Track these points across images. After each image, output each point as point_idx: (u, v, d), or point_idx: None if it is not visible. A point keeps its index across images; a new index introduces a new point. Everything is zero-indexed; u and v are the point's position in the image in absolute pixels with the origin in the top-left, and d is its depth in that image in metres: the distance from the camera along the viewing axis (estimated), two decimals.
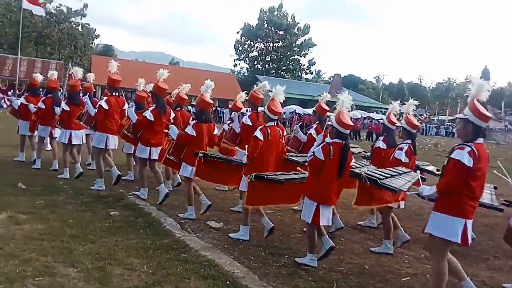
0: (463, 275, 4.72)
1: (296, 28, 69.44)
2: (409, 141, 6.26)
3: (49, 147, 10.55)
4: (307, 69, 72.87)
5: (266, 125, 6.16)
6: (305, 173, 5.82)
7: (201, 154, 6.42)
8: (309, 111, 41.91)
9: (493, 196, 5.80)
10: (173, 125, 7.14)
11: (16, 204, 6.49)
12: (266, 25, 68.15)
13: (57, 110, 9.18)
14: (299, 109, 40.68)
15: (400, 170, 5.74)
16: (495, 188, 6.63)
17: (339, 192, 5.42)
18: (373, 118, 41.22)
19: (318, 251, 5.37)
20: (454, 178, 4.12)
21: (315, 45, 70.87)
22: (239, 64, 71.03)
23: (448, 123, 60.34)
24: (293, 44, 69.38)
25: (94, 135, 8.34)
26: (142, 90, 9.03)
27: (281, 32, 68.57)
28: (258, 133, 6.01)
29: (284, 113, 40.46)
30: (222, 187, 8.87)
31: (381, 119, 38.66)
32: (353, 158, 5.65)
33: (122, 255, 4.87)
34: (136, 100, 9.15)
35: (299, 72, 71.55)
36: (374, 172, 5.30)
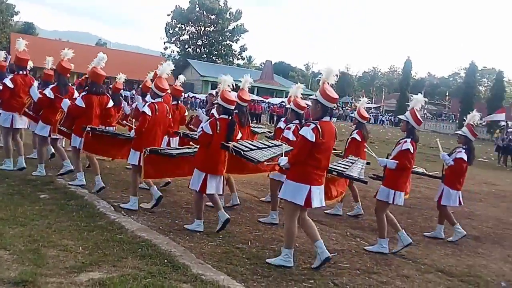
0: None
1: (228, 13, 69.18)
2: (297, 121, 6.60)
3: None
4: (238, 55, 73.03)
5: (154, 101, 6.50)
6: (196, 147, 6.22)
7: (89, 128, 6.70)
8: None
9: (362, 170, 6.30)
10: (66, 99, 7.21)
11: None
12: (197, 9, 67.31)
13: None
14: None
15: (272, 143, 6.35)
16: (367, 163, 7.05)
17: (225, 164, 5.87)
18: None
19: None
20: (299, 150, 4.76)
21: (247, 31, 71.11)
22: (169, 47, 69.85)
23: (373, 111, 62.95)
24: (225, 29, 69.15)
25: (0, 115, 8.10)
26: (50, 68, 8.88)
27: (213, 17, 68.06)
28: (146, 109, 6.39)
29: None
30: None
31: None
32: (239, 133, 6.08)
33: (56, 237, 4.81)
34: (43, 78, 9.16)
35: (231, 58, 71.54)
36: (241, 144, 5.74)
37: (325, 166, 4.95)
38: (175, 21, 68.22)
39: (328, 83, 4.83)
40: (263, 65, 68.23)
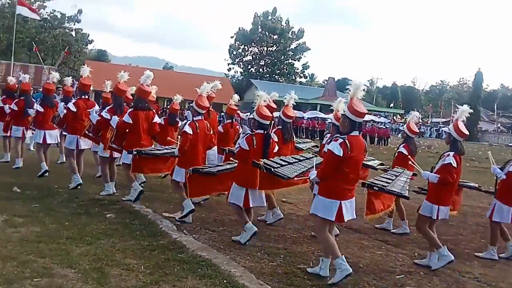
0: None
1: (290, 32, 69.60)
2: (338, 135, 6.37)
3: (31, 147, 10.94)
4: (301, 73, 73.02)
5: (195, 119, 6.74)
6: (235, 163, 6.32)
7: (135, 152, 6.92)
8: (305, 115, 42.06)
9: (406, 184, 6.01)
10: (114, 116, 7.47)
11: (12, 208, 6.51)
12: (260, 30, 68.26)
13: (31, 111, 9.70)
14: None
15: (304, 157, 6.52)
16: (414, 174, 6.74)
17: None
18: (372, 121, 40.72)
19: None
20: (327, 165, 4.84)
21: (309, 49, 71.05)
22: (233, 68, 71.14)
23: (442, 125, 60.65)
24: (287, 48, 69.52)
25: (66, 137, 8.65)
26: (109, 91, 9.19)
27: (275, 37, 68.68)
28: (187, 128, 6.60)
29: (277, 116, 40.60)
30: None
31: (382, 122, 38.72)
32: (276, 146, 6.21)
33: (119, 256, 4.91)
34: (102, 101, 9.66)
35: (293, 76, 71.65)
36: (272, 161, 5.81)
37: (355, 180, 4.98)
38: (238, 42, 69.50)
39: (356, 97, 4.89)
40: (325, 82, 67.83)
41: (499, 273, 5.75)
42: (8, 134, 10.48)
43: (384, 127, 37.30)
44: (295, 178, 5.71)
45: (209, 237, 6.07)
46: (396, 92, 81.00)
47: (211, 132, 7.24)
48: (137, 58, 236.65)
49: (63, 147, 9.90)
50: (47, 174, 9.23)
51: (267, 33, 68.25)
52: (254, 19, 69.09)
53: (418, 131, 7.43)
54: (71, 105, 8.30)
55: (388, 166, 7.71)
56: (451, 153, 5.63)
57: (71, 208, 6.88)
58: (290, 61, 70.96)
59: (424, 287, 4.98)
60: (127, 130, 7.40)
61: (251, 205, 5.91)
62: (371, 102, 66.99)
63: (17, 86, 10.84)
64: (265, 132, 5.94)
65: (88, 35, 62.72)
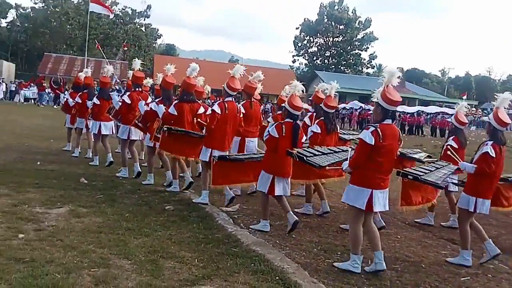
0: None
1: (357, 22, 68.12)
2: None
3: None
4: (368, 64, 71.36)
5: (225, 100, 6.90)
6: (262, 152, 6.37)
7: (165, 128, 7.22)
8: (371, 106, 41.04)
9: (446, 176, 5.73)
10: (161, 105, 7.69)
11: (78, 198, 6.77)
12: (326, 20, 67.34)
13: (89, 103, 10.17)
14: (356, 104, 39.64)
15: (340, 149, 6.43)
16: (458, 169, 6.12)
17: (291, 166, 6.02)
18: (443, 113, 39.10)
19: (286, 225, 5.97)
20: (359, 153, 4.76)
21: (377, 39, 69.31)
22: (298, 60, 70.72)
23: None
24: (354, 39, 68.12)
25: (120, 127, 9.06)
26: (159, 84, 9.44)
27: (341, 27, 67.50)
28: (215, 107, 6.81)
29: (344, 108, 39.94)
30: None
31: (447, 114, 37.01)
32: (304, 136, 6.35)
33: (175, 249, 4.95)
34: (155, 94, 9.97)
35: (359, 67, 70.17)
36: (305, 151, 5.92)
37: (388, 170, 4.87)
38: (304, 33, 68.96)
39: (390, 85, 4.78)
40: None
41: None
42: (75, 126, 11.27)
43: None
44: (327, 167, 5.82)
45: (264, 232, 6.00)
46: (470, 83, 77.28)
47: (241, 115, 7.35)
48: (204, 52, 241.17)
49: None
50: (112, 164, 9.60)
51: (333, 23, 67.23)
52: (320, 9, 68.24)
53: (467, 121, 7.11)
54: (126, 97, 8.73)
55: (436, 159, 7.28)
56: (490, 143, 5.33)
57: (132, 199, 7.05)
58: (356, 51, 69.56)
59: None
60: (172, 122, 7.52)
61: (276, 193, 5.91)
62: (442, 93, 64.34)
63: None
64: (294, 122, 5.94)
65: (157, 30, 64.76)
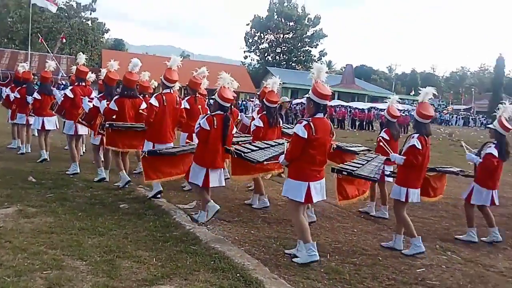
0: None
1: (306, 19, 68.88)
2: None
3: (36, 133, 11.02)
4: (318, 60, 72.31)
5: (162, 92, 6.92)
6: (194, 144, 6.43)
7: (107, 125, 7.20)
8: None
9: (377, 168, 6.11)
10: (103, 101, 7.61)
11: (26, 198, 6.47)
12: (276, 17, 67.65)
13: (29, 99, 9.91)
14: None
15: (276, 142, 6.67)
16: (387, 159, 6.47)
17: (224, 158, 6.21)
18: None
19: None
20: (293, 147, 4.89)
21: (326, 36, 70.34)
22: (249, 56, 70.76)
23: (463, 113, 59.64)
24: (304, 35, 68.87)
25: (65, 123, 8.79)
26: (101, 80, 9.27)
27: (291, 23, 68.05)
28: (153, 100, 6.83)
29: (298, 103, 40.25)
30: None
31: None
32: (234, 128, 6.48)
33: (131, 248, 4.80)
34: (99, 89, 9.77)
35: (310, 63, 71.01)
36: (243, 147, 6.20)
37: (322, 161, 5.02)
38: (254, 30, 69.04)
39: (319, 81, 4.94)
40: (343, 70, 67.15)
41: None
42: (16, 122, 10.86)
43: (404, 114, 36.73)
44: (265, 162, 5.97)
45: (223, 228, 5.94)
46: (416, 79, 79.79)
47: (182, 107, 7.37)
48: (154, 47, 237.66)
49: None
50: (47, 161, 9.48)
51: (283, 20, 67.68)
52: (270, 6, 68.50)
53: (399, 115, 7.46)
54: (68, 92, 8.60)
55: (373, 152, 7.51)
56: (416, 135, 5.59)
57: (85, 198, 6.81)
58: (307, 48, 70.39)
59: (446, 282, 4.77)
60: (113, 117, 7.45)
61: (210, 185, 6.02)
62: (390, 89, 66.18)
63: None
64: (225, 114, 6.03)
65: (104, 24, 62.91)
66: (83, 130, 8.70)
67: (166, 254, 4.68)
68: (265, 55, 70.14)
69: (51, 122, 9.66)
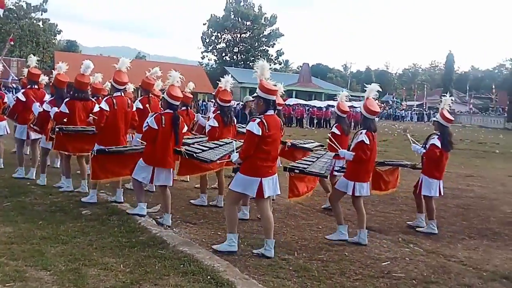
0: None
1: (263, 18, 69.25)
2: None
3: None
4: (275, 59, 72.81)
5: (113, 95, 6.83)
6: (144, 144, 6.34)
7: (57, 129, 7.07)
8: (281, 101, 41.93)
9: (327, 165, 6.42)
10: (54, 107, 7.38)
11: None
12: (233, 16, 67.72)
13: None
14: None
15: (223, 142, 6.74)
16: (336, 155, 6.79)
17: (175, 157, 6.21)
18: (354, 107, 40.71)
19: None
20: (248, 144, 4.96)
21: (283, 35, 71.01)
22: (207, 56, 70.51)
23: (416, 108, 61.35)
24: (261, 35, 69.28)
25: (17, 127, 8.58)
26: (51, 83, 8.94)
27: (248, 23, 68.29)
28: (103, 104, 6.72)
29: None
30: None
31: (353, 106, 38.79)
32: (185, 126, 6.47)
33: (97, 255, 4.69)
34: (51, 91, 9.46)
35: (268, 63, 71.40)
36: (193, 147, 6.24)
37: (275, 157, 5.16)
38: (211, 29, 68.85)
39: (264, 78, 5.12)
40: (300, 68, 67.86)
41: (483, 255, 5.72)
42: None
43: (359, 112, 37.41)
44: (218, 161, 6.05)
45: (190, 231, 5.90)
46: (370, 77, 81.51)
47: (133, 109, 7.25)
48: (109, 48, 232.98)
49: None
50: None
51: (240, 20, 67.83)
52: (227, 6, 68.51)
53: (348, 110, 7.74)
54: (20, 95, 8.31)
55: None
56: (363, 131, 5.79)
57: (44, 205, 6.58)
58: (264, 47, 70.80)
59: (411, 274, 4.90)
60: (64, 120, 7.29)
61: (154, 183, 6.15)
62: (346, 87, 67.32)
63: None
64: (173, 112, 6.04)
65: (57, 25, 61.18)
66: (35, 134, 8.39)
67: (133, 260, 4.59)
68: (223, 55, 70.08)
69: (1, 127, 9.29)
